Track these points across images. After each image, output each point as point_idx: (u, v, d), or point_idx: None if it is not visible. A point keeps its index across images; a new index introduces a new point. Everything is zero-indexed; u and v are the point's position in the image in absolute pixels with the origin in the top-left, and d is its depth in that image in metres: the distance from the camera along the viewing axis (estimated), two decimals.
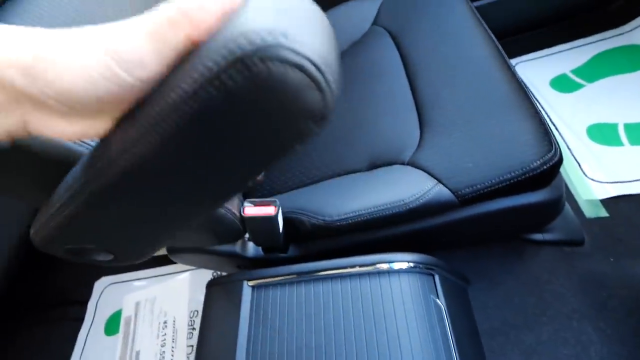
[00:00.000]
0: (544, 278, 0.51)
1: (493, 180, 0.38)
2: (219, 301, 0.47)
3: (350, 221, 0.42)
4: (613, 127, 0.68)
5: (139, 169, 0.21)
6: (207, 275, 0.87)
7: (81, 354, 0.88)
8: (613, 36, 0.77)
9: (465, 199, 0.39)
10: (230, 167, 0.21)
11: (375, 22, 0.67)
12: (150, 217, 0.28)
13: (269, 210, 0.43)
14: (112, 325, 0.89)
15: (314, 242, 0.50)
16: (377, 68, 0.60)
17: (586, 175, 0.64)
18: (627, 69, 0.73)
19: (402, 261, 0.41)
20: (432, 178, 0.41)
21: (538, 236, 0.54)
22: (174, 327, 0.83)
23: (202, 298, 0.84)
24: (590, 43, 0.78)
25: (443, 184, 0.40)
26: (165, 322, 0.84)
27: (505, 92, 0.43)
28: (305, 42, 0.13)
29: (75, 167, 0.27)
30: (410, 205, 0.40)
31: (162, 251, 1.05)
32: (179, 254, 0.54)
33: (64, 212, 0.27)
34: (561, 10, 0.80)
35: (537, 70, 0.78)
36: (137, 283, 0.94)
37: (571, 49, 0.79)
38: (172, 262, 0.93)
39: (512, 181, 0.38)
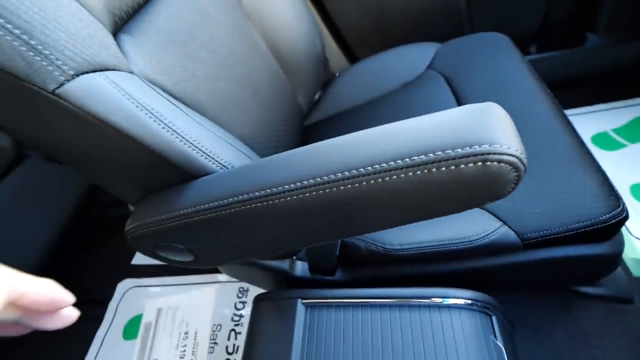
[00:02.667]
0: (594, 334, 0.51)
1: (560, 228, 0.39)
2: (269, 316, 0.47)
3: (411, 252, 0.44)
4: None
5: (305, 212, 0.24)
6: (234, 290, 0.87)
7: (96, 355, 0.87)
8: None
9: (529, 243, 0.41)
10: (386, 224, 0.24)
11: (430, 67, 0.71)
12: (261, 241, 0.30)
13: None
14: (131, 329, 0.89)
15: (362, 269, 0.51)
16: (433, 107, 0.63)
17: (631, 234, 0.64)
18: None
19: (461, 297, 0.42)
20: (498, 219, 0.42)
21: (588, 289, 0.54)
22: (195, 339, 0.82)
23: (227, 312, 0.83)
24: (632, 105, 0.81)
25: (508, 226, 0.41)
26: (186, 333, 0.83)
27: (568, 145, 0.46)
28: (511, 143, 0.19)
29: (206, 180, 0.29)
30: (475, 244, 0.41)
31: None
32: (228, 265, 0.56)
33: (189, 218, 0.29)
34: (603, 71, 0.84)
35: (578, 126, 0.81)
36: (160, 289, 0.94)
37: (611, 109, 0.82)
38: (199, 272, 0.94)
39: (578, 231, 0.39)
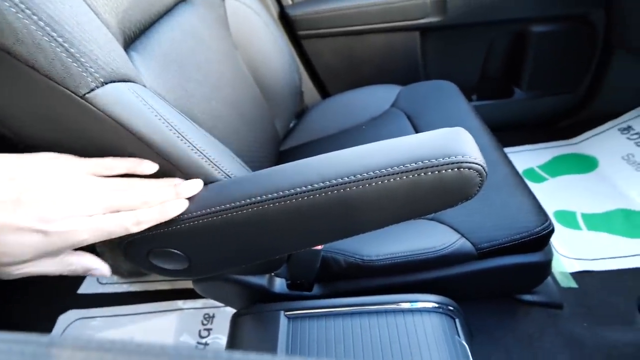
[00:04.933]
0: (535, 336, 0.58)
1: (506, 238, 0.47)
2: (251, 331, 0.48)
3: (387, 262, 0.48)
4: (573, 214, 0.84)
5: (313, 212, 0.27)
6: (197, 316, 0.83)
7: None
8: (566, 145, 0.99)
9: (482, 253, 0.48)
10: (375, 224, 0.29)
11: (394, 105, 0.82)
12: (262, 244, 0.33)
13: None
14: None
15: (338, 283, 0.54)
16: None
17: (557, 251, 0.77)
18: (579, 170, 0.93)
19: (428, 301, 0.47)
20: (457, 232, 0.50)
21: (528, 297, 0.63)
22: None
23: (190, 342, 0.79)
24: (551, 147, 0.99)
25: (466, 237, 0.49)
26: None
27: (508, 172, 0.56)
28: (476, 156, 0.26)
29: (213, 186, 0.32)
30: (439, 253, 0.48)
31: (144, 286, 0.99)
32: (205, 282, 0.55)
33: (199, 220, 0.31)
34: (528, 118, 1.02)
35: None
36: (111, 320, 0.86)
37: (536, 149, 1.00)
38: (157, 299, 0.88)
39: (519, 241, 0.47)
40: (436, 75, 0.92)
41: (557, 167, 0.95)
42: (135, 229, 0.28)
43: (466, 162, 0.25)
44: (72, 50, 0.26)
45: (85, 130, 0.28)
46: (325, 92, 0.99)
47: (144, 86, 0.34)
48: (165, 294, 0.88)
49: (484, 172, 0.25)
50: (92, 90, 0.27)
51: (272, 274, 0.56)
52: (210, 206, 0.31)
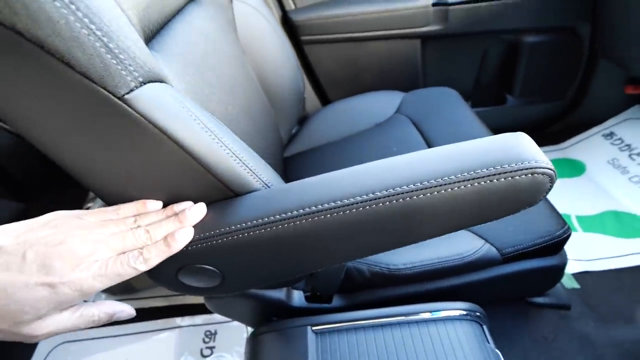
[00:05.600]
0: (550, 337, 0.59)
1: (529, 243, 0.48)
2: (276, 349, 0.45)
3: (415, 270, 0.47)
4: (568, 217, 0.87)
5: (374, 222, 0.26)
6: (199, 334, 0.78)
7: None
8: (556, 150, 1.04)
9: (507, 257, 0.48)
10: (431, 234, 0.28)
11: (398, 111, 0.82)
12: (303, 260, 0.31)
13: None
14: None
15: (358, 294, 0.53)
16: (405, 145, 0.72)
17: None
18: (569, 174, 0.97)
19: (456, 309, 0.46)
20: (480, 238, 0.49)
21: (539, 299, 0.64)
22: None
23: None
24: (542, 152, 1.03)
25: (490, 243, 0.49)
26: None
27: None
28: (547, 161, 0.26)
29: (255, 196, 0.30)
30: (466, 260, 0.47)
31: (136, 303, 0.93)
32: (221, 298, 0.52)
33: (239, 234, 0.29)
34: (519, 125, 1.06)
35: None
36: (101, 342, 0.79)
37: None
38: (154, 317, 0.82)
39: (541, 245, 0.48)
40: (434, 83, 0.93)
41: None
42: (144, 267, 0.27)
43: (540, 168, 0.24)
44: (111, 45, 0.23)
45: (120, 135, 0.26)
46: (325, 99, 0.98)
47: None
48: (161, 311, 0.82)
49: (555, 177, 0.25)
50: (132, 90, 0.24)
51: (291, 287, 0.53)
52: (255, 218, 0.29)
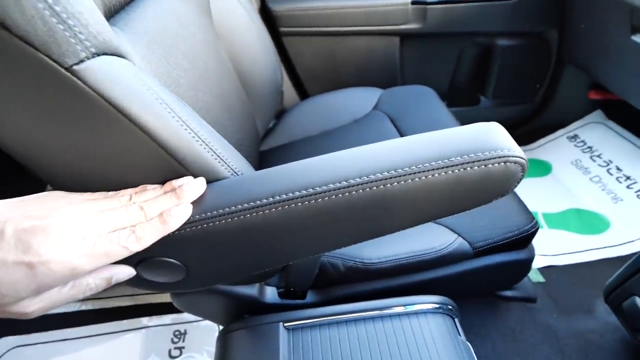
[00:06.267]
0: (517, 329, 0.61)
1: (500, 237, 0.49)
2: (246, 347, 0.43)
3: (389, 264, 0.47)
4: (535, 214, 0.91)
5: (346, 211, 0.25)
6: (167, 334, 0.74)
7: None
8: (525, 150, 1.08)
9: (478, 251, 0.49)
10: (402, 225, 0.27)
11: (375, 107, 0.82)
12: (271, 252, 0.29)
13: None
14: None
15: (332, 289, 0.52)
16: (382, 140, 0.72)
17: None
18: (537, 174, 1.01)
19: (429, 302, 0.46)
20: (453, 232, 0.50)
21: (507, 293, 0.66)
22: None
23: None
24: None
25: (463, 237, 0.49)
26: None
27: None
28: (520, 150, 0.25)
29: (223, 184, 0.28)
30: (439, 253, 0.48)
31: (99, 303, 0.89)
32: (189, 295, 0.49)
33: (206, 224, 0.27)
34: None
35: None
36: (60, 345, 0.73)
37: None
38: (114, 319, 0.77)
39: (511, 239, 0.49)
40: (412, 81, 0.94)
41: None
42: (137, 247, 0.24)
43: (513, 157, 0.24)
44: (57, 8, 0.21)
45: (71, 113, 0.23)
46: (303, 93, 0.97)
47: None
48: (127, 311, 0.78)
49: (526, 167, 0.25)
50: (82, 61, 0.22)
51: (263, 282, 0.51)
52: (221, 207, 0.27)
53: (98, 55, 0.23)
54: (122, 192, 0.27)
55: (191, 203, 0.27)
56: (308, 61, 0.91)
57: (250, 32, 0.68)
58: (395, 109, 0.79)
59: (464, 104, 1.05)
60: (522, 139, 1.10)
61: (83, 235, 0.23)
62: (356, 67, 0.93)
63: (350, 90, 0.86)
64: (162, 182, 0.28)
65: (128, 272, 0.27)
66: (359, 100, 0.84)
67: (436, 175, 0.24)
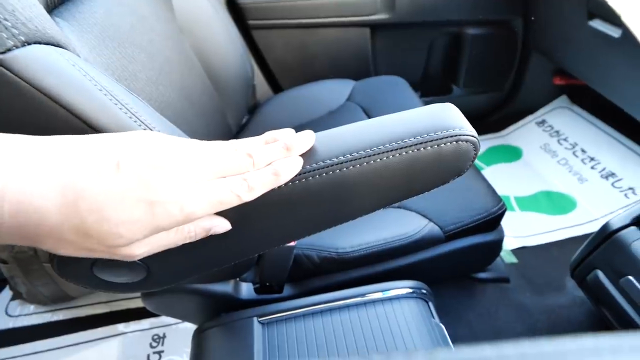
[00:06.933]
0: (492, 310, 0.63)
1: (469, 219, 0.50)
2: (220, 345, 0.42)
3: (361, 253, 0.47)
4: (507, 197, 0.94)
5: (305, 198, 0.24)
6: (145, 339, 0.72)
7: None
8: (497, 137, 1.11)
9: (449, 235, 0.50)
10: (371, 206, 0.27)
11: (349, 99, 0.82)
12: (232, 245, 0.29)
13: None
14: None
15: (309, 281, 0.52)
16: None
17: None
18: (508, 159, 1.04)
19: (402, 287, 0.47)
20: (424, 217, 0.51)
21: (482, 275, 0.68)
22: None
23: None
24: (485, 140, 1.10)
25: (434, 222, 0.50)
26: None
27: None
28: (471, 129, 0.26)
29: None
30: (411, 239, 0.48)
31: (72, 313, 0.86)
32: (160, 296, 0.48)
33: None
34: (465, 113, 1.12)
35: None
36: (32, 359, 0.70)
37: None
38: (88, 327, 0.74)
39: (480, 220, 0.50)
40: (385, 71, 0.95)
41: (490, 157, 1.06)
42: (248, 196, 0.23)
43: (464, 135, 0.25)
44: None
45: (4, 108, 0.22)
46: (276, 86, 0.96)
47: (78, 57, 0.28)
48: (102, 319, 0.75)
49: (478, 145, 0.26)
50: (9, 50, 0.20)
51: (238, 279, 0.51)
52: None
53: (29, 43, 0.22)
54: (224, 142, 0.24)
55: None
56: (279, 54, 0.90)
57: (215, 25, 0.66)
58: (368, 100, 0.80)
59: (437, 93, 1.06)
60: (494, 126, 1.13)
61: (196, 177, 0.21)
62: (328, 59, 0.92)
63: (323, 82, 0.86)
64: None
65: (225, 225, 0.25)
66: (332, 92, 0.84)
67: (391, 157, 0.24)
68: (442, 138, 0.24)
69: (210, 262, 0.31)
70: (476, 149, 0.25)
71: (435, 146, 0.24)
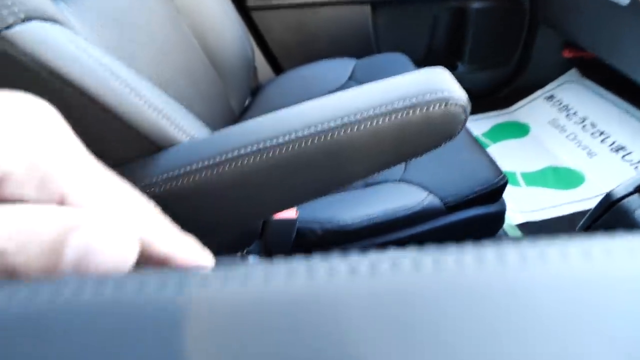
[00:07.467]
0: None
1: (470, 190, 0.50)
2: None
3: (364, 224, 0.48)
4: (513, 174, 0.93)
5: (300, 163, 0.25)
6: None
7: None
8: (504, 114, 1.09)
9: (450, 206, 0.51)
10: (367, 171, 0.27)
11: (351, 78, 0.82)
12: (230, 212, 0.30)
13: (291, 214, 0.46)
14: None
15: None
16: None
17: None
18: (515, 135, 1.03)
19: None
20: (424, 190, 0.51)
21: None
22: None
23: None
24: (492, 117, 1.08)
25: (434, 194, 0.51)
26: None
27: (463, 133, 0.59)
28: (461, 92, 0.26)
29: (178, 149, 0.28)
30: (411, 211, 0.49)
31: None
32: None
33: (153, 190, 0.27)
34: (470, 90, 1.10)
35: None
36: None
37: (478, 119, 1.08)
38: None
39: (481, 192, 0.51)
40: (387, 49, 0.94)
41: (497, 133, 1.04)
42: None
43: (452, 98, 0.25)
44: None
45: (6, 84, 0.23)
46: (278, 68, 0.96)
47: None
48: None
49: (468, 108, 0.26)
50: (10, 26, 0.22)
51: (244, 252, 0.53)
52: (174, 169, 0.27)
53: (29, 20, 0.23)
54: None
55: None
56: (280, 35, 0.90)
57: (213, 7, 0.66)
58: (370, 78, 0.78)
59: None
60: (501, 103, 1.11)
61: None
62: (329, 38, 0.91)
63: (325, 62, 0.85)
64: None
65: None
66: (334, 71, 0.83)
67: (380, 122, 0.25)
68: (431, 101, 0.25)
69: (209, 231, 0.33)
70: (466, 112, 0.26)
71: (424, 110, 0.25)
